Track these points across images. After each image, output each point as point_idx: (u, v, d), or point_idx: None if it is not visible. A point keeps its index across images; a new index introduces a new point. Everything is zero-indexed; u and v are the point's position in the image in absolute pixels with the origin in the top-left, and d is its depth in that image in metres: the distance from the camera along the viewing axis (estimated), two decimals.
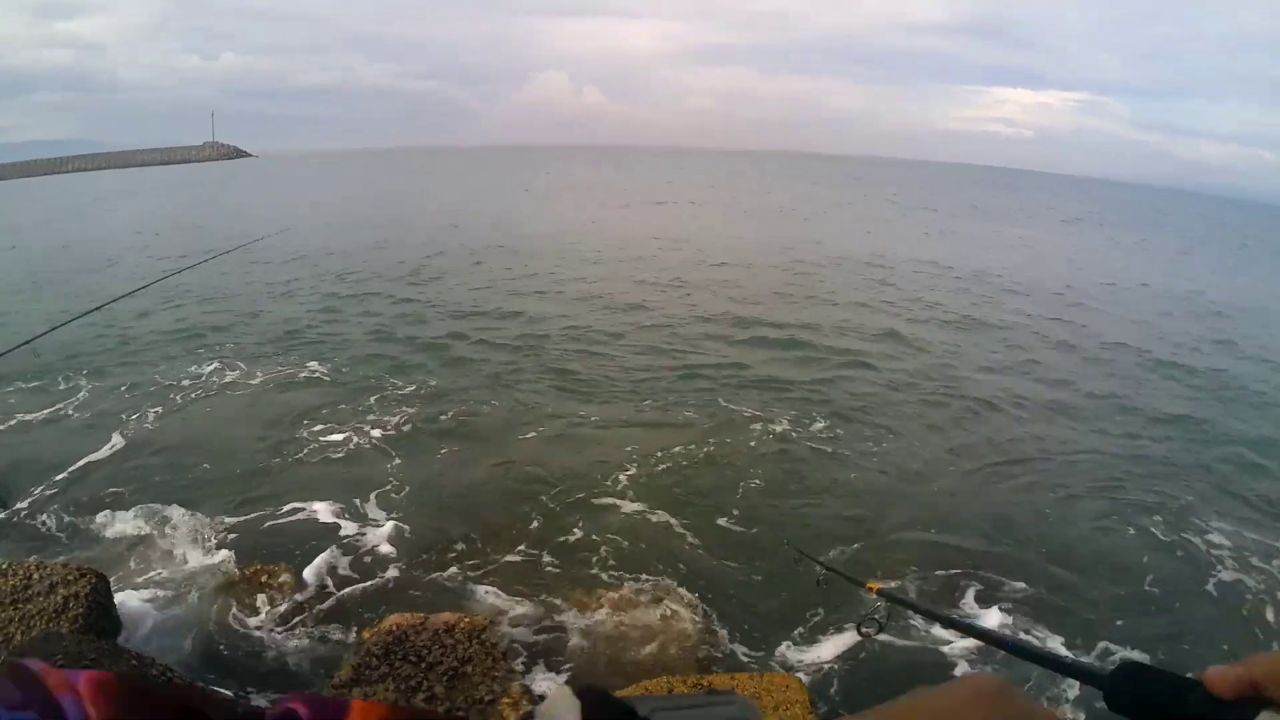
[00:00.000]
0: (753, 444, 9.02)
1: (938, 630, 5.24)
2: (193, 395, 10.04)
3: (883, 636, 5.13)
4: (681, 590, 5.96)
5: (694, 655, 4.75)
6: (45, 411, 9.47)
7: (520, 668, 4.24)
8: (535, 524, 6.98)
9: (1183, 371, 13.31)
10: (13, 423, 9.08)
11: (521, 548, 6.54)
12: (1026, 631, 5.77)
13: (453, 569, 6.13)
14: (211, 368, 11.12)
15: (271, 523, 6.77)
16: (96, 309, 6.63)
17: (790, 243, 26.16)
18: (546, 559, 6.38)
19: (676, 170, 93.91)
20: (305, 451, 8.33)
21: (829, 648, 5.31)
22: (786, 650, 5.31)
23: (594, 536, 6.82)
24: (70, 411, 9.48)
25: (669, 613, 4.81)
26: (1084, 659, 1.06)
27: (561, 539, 6.74)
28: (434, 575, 6.01)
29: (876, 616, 2.32)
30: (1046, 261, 26.23)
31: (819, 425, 9.63)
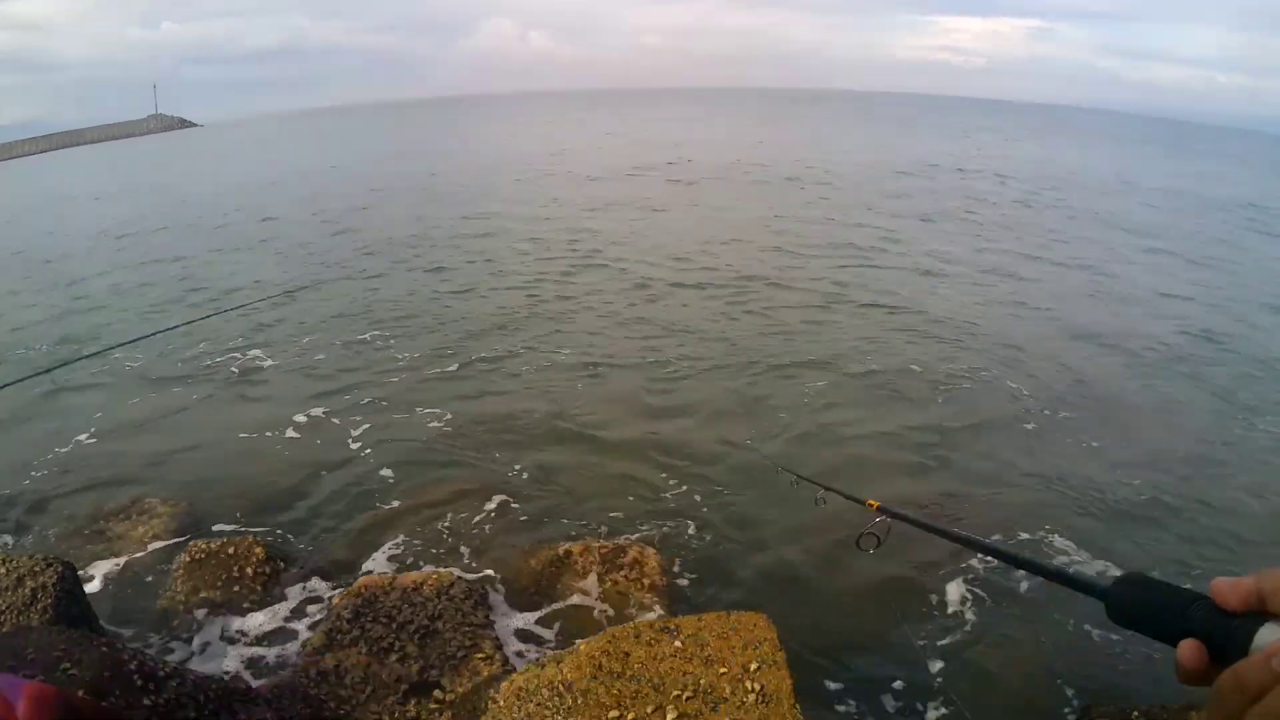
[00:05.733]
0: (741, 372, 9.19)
1: (938, 546, 5.43)
2: (160, 377, 9.84)
3: (882, 557, 5.36)
4: (659, 532, 6.09)
5: (667, 597, 4.84)
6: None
7: (489, 621, 4.30)
8: (506, 473, 7.06)
9: None
10: None
11: (491, 498, 6.61)
12: (1030, 546, 5.98)
13: (419, 529, 6.17)
14: (177, 350, 10.89)
15: (240, 500, 6.73)
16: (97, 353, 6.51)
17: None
18: (516, 508, 6.47)
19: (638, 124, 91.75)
20: (268, 425, 8.26)
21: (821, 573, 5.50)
22: (776, 583, 5.50)
23: (568, 482, 6.92)
24: (28, 402, 9.27)
25: (640, 556, 4.87)
26: (1085, 571, 1.08)
27: (530, 485, 6.84)
28: (402, 536, 6.05)
29: (875, 532, 2.32)
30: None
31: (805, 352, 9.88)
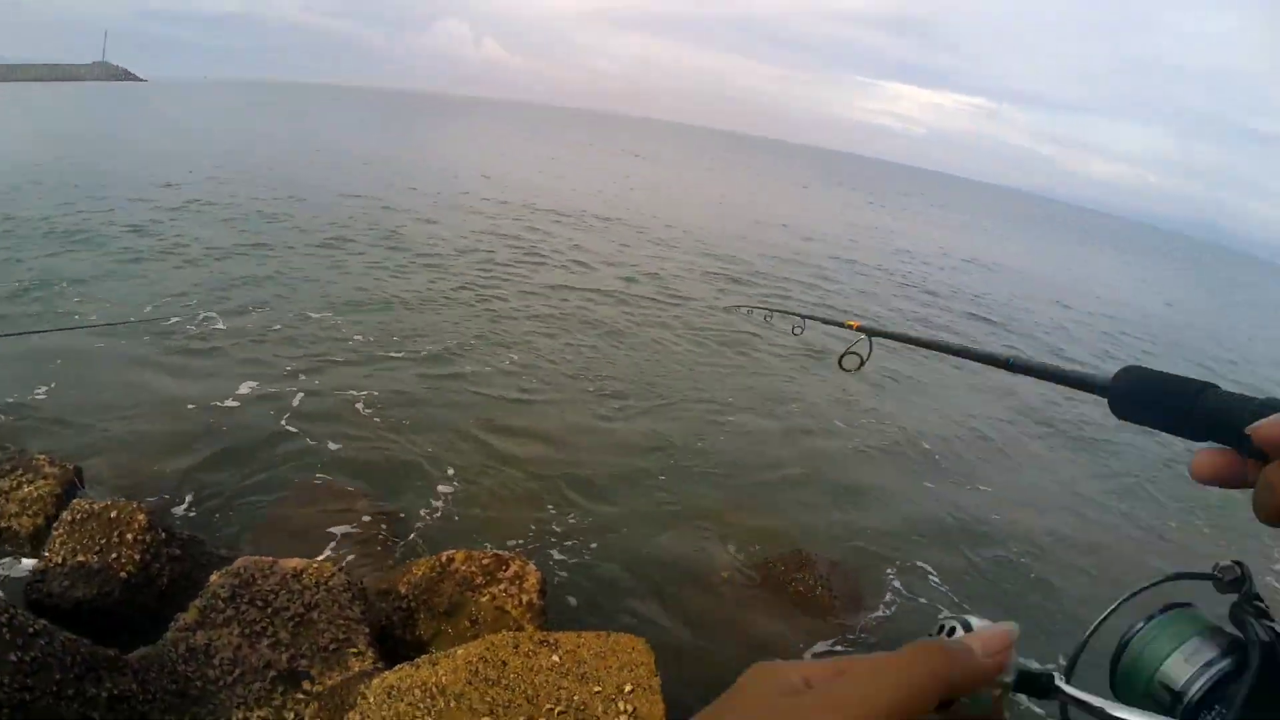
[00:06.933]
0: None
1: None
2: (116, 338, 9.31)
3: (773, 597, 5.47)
4: (550, 551, 6.15)
5: (544, 614, 4.82)
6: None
7: (365, 617, 4.25)
8: (417, 474, 7.05)
9: None
10: None
11: (393, 497, 6.60)
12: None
13: (318, 518, 6.12)
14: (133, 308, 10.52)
15: (144, 465, 6.59)
16: None
17: None
18: (415, 510, 6.49)
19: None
20: (209, 394, 8.07)
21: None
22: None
23: (473, 492, 6.99)
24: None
25: (522, 571, 4.87)
26: (1080, 368, 1.10)
27: (437, 490, 6.87)
28: (297, 523, 6.00)
29: (857, 351, 2.31)
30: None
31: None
